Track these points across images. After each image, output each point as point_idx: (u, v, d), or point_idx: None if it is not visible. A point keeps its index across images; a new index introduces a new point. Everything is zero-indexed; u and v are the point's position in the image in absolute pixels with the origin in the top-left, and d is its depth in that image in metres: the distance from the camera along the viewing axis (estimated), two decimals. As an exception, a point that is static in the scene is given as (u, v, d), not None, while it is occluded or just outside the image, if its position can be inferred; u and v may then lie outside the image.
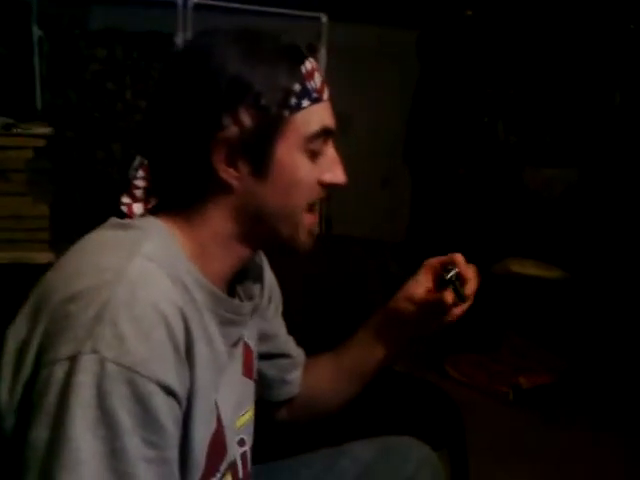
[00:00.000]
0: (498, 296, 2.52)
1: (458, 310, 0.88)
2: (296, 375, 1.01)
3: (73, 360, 0.59)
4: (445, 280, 0.88)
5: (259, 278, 0.90)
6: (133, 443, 0.59)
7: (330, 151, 0.77)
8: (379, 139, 4.05)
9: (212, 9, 2.87)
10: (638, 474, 1.90)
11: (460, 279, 0.88)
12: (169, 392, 0.62)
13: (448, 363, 2.25)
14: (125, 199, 0.74)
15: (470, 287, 0.88)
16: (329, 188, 0.78)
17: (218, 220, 0.74)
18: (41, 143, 2.22)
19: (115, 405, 0.58)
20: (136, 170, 0.76)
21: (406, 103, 3.37)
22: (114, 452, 0.58)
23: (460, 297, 0.87)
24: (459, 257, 0.89)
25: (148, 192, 0.75)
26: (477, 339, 2.41)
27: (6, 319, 0.67)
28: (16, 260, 2.12)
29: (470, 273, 0.88)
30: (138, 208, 0.74)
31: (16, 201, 2.16)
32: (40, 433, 0.58)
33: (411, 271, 0.96)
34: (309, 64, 0.74)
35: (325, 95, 0.75)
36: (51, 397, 0.59)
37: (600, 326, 2.48)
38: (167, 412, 0.62)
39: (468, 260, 0.91)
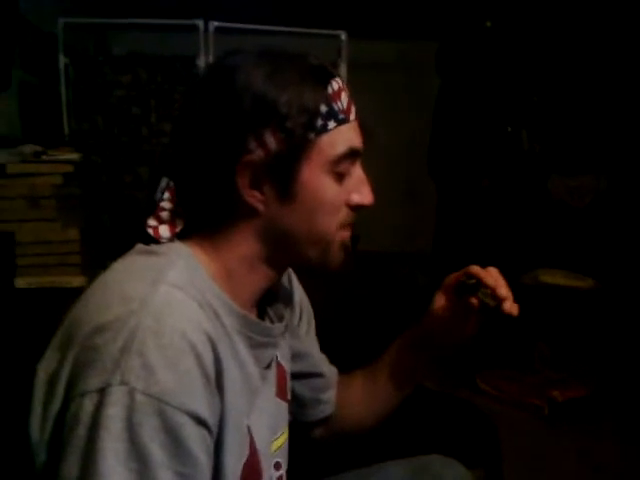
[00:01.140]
0: (528, 307, 2.49)
1: (508, 308, 0.84)
2: (330, 394, 1.00)
3: (102, 392, 0.58)
4: (468, 286, 0.87)
5: (289, 297, 0.90)
6: (165, 475, 0.58)
7: (357, 171, 0.76)
8: (402, 152, 4.06)
9: (233, 31, 2.91)
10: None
11: (483, 287, 0.86)
12: (200, 422, 0.61)
13: (480, 378, 2.21)
14: (151, 222, 0.74)
15: (501, 290, 0.84)
16: (357, 209, 0.77)
17: (244, 243, 0.73)
18: (69, 169, 2.27)
19: (146, 437, 0.57)
20: (162, 192, 0.75)
21: (428, 116, 3.37)
22: None
23: (486, 303, 0.85)
24: (474, 268, 0.88)
25: (174, 214, 0.74)
26: (508, 352, 2.38)
27: (39, 344, 0.68)
28: (48, 284, 2.16)
29: (491, 279, 0.85)
30: (164, 231, 0.73)
31: (47, 227, 2.20)
32: (71, 468, 0.58)
33: (439, 283, 0.95)
34: (335, 84, 0.72)
35: (352, 115, 0.74)
36: (81, 431, 0.58)
37: (634, 336, 2.43)
38: (198, 442, 0.61)
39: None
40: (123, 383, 0.58)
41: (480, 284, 0.86)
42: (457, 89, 3.25)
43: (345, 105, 0.73)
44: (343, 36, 3.18)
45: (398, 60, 4.20)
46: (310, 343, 0.98)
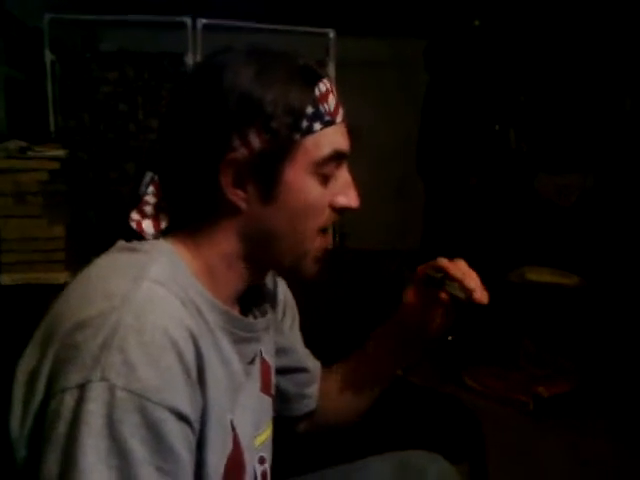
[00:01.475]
0: (514, 305, 2.50)
1: (478, 298, 0.83)
2: (314, 389, 1.01)
3: (82, 388, 0.58)
4: (434, 280, 0.87)
5: (272, 293, 0.90)
6: (147, 472, 0.58)
7: (343, 174, 0.76)
8: (391, 150, 4.07)
9: (221, 29, 2.90)
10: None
11: (449, 279, 0.86)
12: (181, 418, 0.61)
13: (466, 374, 2.22)
14: (134, 216, 0.73)
15: (469, 282, 0.84)
16: (341, 212, 0.76)
17: (225, 241, 0.73)
18: (56, 165, 2.26)
19: (126, 434, 0.57)
20: (147, 186, 0.75)
21: (417, 114, 3.38)
22: None
23: (456, 295, 0.85)
24: (442, 260, 0.87)
25: (158, 209, 0.74)
26: (494, 348, 2.39)
27: (23, 341, 0.67)
28: (33, 281, 2.15)
29: (458, 272, 0.85)
30: (147, 225, 0.73)
31: (32, 223, 2.19)
32: (52, 464, 0.57)
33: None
34: (323, 86, 0.72)
35: (339, 117, 0.74)
36: (61, 427, 0.58)
37: (619, 333, 2.45)
38: (180, 438, 0.61)
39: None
40: (103, 379, 0.57)
41: (446, 277, 0.85)
42: (445, 87, 3.26)
43: (332, 107, 0.73)
44: (331, 34, 3.18)
45: (386, 58, 4.20)
46: (294, 338, 0.99)
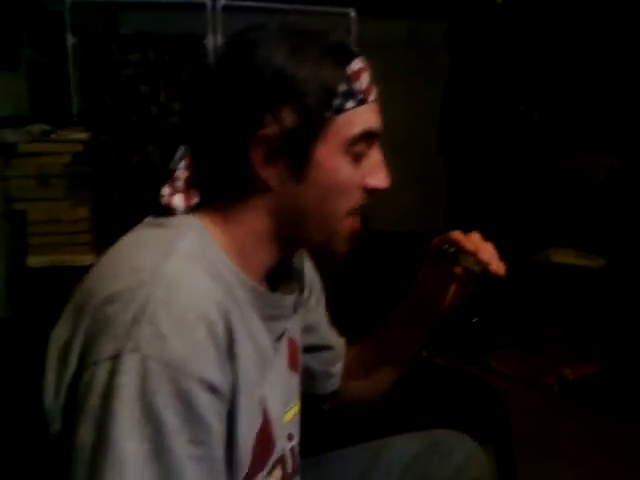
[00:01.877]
0: (540, 286, 2.48)
1: (494, 270, 0.82)
2: (339, 367, 1.01)
3: (115, 360, 0.58)
4: (447, 254, 0.84)
5: (300, 271, 0.90)
6: (179, 442, 0.58)
7: (375, 154, 0.75)
8: (413, 132, 4.02)
9: (241, 10, 2.89)
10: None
11: (462, 253, 0.83)
12: (213, 389, 0.61)
13: (491, 356, 2.21)
14: (165, 190, 0.73)
15: (484, 254, 0.82)
16: (372, 193, 0.75)
17: (255, 218, 0.73)
18: (79, 148, 2.27)
19: (159, 405, 0.57)
20: (179, 160, 0.74)
21: (438, 96, 3.33)
22: (161, 452, 0.57)
23: (471, 269, 0.83)
24: (455, 233, 0.85)
25: (189, 183, 0.73)
26: (519, 331, 2.38)
27: (51, 322, 0.68)
28: (59, 263, 2.17)
29: (471, 245, 0.83)
30: (178, 199, 0.72)
31: (56, 206, 2.22)
32: (85, 436, 0.58)
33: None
34: (356, 64, 0.71)
35: (372, 96, 0.73)
36: (95, 399, 0.58)
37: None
38: (211, 409, 0.61)
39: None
40: (135, 350, 0.58)
41: (460, 251, 0.83)
42: (468, 68, 3.21)
43: (365, 85, 0.72)
44: (352, 14, 3.15)
45: (408, 39, 4.15)
46: (320, 316, 0.98)
